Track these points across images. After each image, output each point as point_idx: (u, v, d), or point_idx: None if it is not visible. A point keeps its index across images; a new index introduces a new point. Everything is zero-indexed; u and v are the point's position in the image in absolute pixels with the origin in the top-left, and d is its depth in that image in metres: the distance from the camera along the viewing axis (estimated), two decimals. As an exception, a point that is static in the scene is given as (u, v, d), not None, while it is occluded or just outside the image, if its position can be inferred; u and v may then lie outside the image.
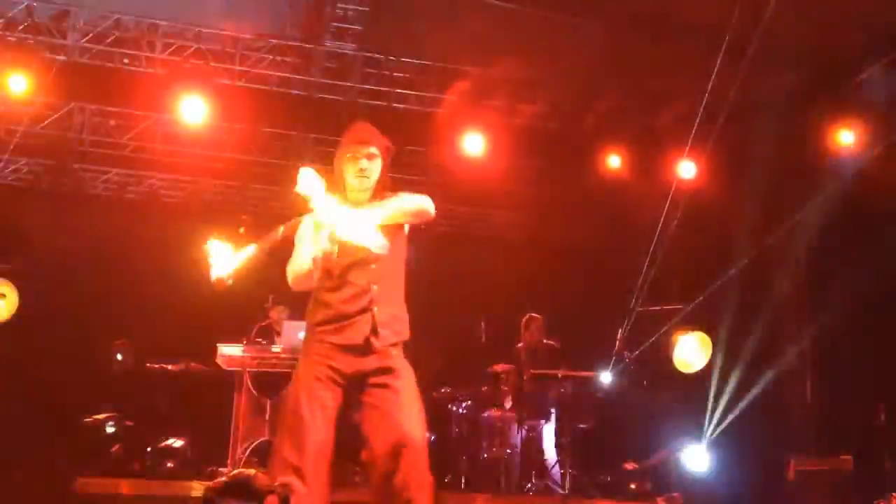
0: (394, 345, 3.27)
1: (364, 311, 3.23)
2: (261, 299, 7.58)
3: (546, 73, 7.69)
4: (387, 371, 3.22)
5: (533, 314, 7.52)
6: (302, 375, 3.23)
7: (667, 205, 8.51)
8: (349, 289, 3.25)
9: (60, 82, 7.17)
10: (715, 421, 7.86)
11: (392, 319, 3.28)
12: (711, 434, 7.75)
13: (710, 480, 7.14)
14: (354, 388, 3.23)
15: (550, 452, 7.10)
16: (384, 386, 3.21)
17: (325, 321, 3.26)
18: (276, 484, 2.72)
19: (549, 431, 7.17)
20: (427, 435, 3.30)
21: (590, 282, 8.98)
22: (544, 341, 7.50)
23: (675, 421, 8.00)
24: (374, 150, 3.40)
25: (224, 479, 2.73)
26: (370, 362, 3.22)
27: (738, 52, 7.11)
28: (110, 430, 6.71)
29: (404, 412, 3.17)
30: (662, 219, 8.59)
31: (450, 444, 6.94)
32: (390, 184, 3.45)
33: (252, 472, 2.74)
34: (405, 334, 3.33)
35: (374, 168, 3.39)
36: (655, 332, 8.10)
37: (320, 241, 3.17)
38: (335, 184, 3.41)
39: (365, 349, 3.21)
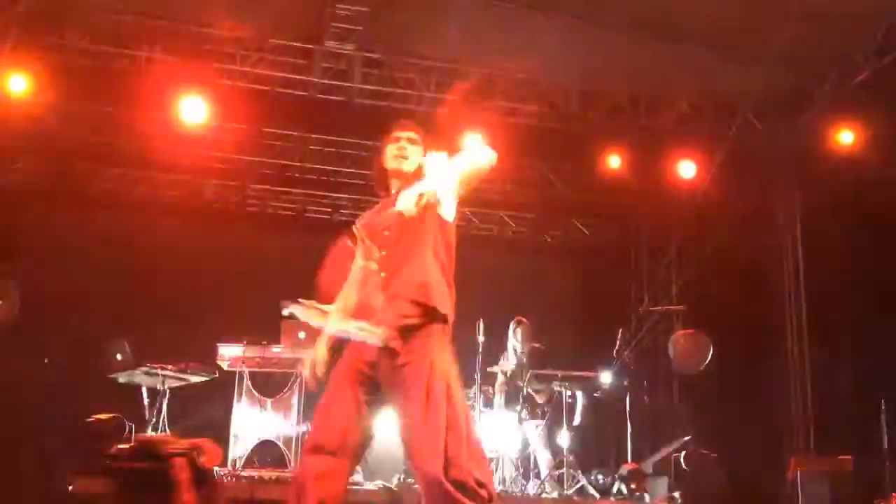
0: (405, 328, 3.00)
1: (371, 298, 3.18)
2: (261, 300, 7.58)
3: (546, 73, 7.68)
4: (398, 361, 2.99)
5: (520, 318, 7.52)
6: (335, 368, 3.17)
7: (667, 205, 8.54)
8: (370, 279, 3.23)
9: (60, 82, 7.17)
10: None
11: (395, 299, 3.06)
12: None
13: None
14: (381, 381, 3.05)
15: (549, 452, 7.10)
16: (401, 383, 2.99)
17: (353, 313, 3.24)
18: (187, 447, 2.67)
19: (548, 431, 7.17)
20: (441, 457, 2.84)
21: (590, 282, 8.98)
22: (531, 344, 7.50)
23: (675, 421, 8.01)
24: (415, 135, 3.41)
25: (132, 444, 2.70)
26: (381, 352, 3.01)
27: (737, 52, 7.12)
28: (110, 430, 6.71)
29: (415, 434, 2.92)
30: (663, 219, 8.61)
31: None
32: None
33: (163, 435, 2.72)
34: (415, 314, 3.03)
35: (414, 152, 3.37)
36: (655, 332, 8.11)
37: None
38: (377, 181, 3.44)
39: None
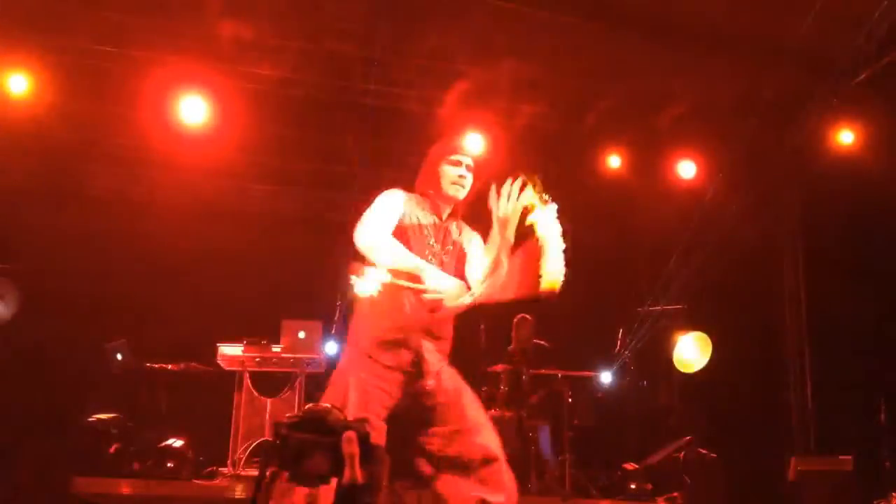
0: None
1: None
2: (260, 300, 7.59)
3: (546, 73, 7.68)
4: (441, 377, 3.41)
5: (524, 315, 7.51)
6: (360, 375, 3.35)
7: (667, 205, 8.53)
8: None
9: (60, 82, 7.17)
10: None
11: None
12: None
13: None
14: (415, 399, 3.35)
15: (550, 452, 7.10)
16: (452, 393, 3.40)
17: None
18: (354, 420, 2.61)
19: (548, 431, 7.17)
20: None
21: (590, 282, 8.96)
22: (534, 341, 7.50)
23: (675, 421, 8.01)
24: (472, 162, 3.43)
25: (298, 413, 2.61)
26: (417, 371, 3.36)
27: (737, 52, 7.13)
28: (110, 430, 6.71)
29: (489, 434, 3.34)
30: (663, 219, 8.61)
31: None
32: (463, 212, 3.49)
33: (327, 405, 2.62)
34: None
35: (469, 182, 3.41)
36: (655, 332, 8.11)
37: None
38: (424, 181, 3.44)
39: None
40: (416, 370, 3.20)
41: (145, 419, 6.94)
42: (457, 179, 3.37)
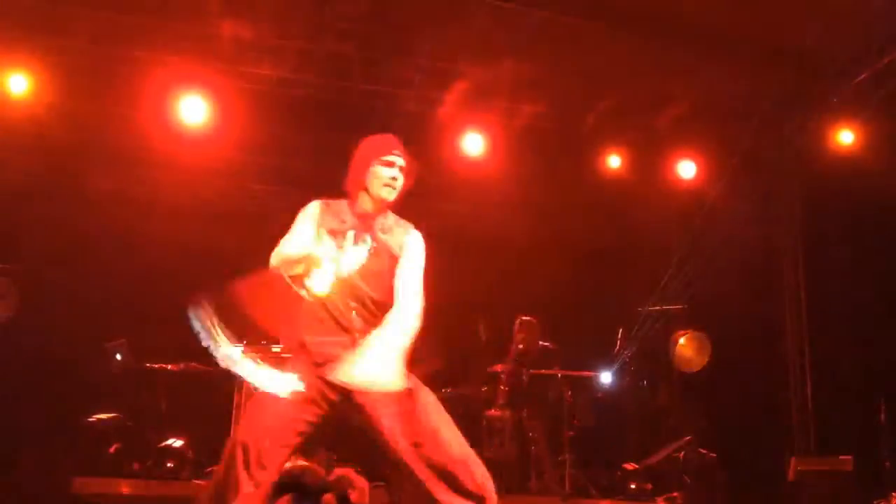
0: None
1: None
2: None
3: (546, 73, 7.68)
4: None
5: (524, 317, 7.48)
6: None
7: (667, 205, 8.53)
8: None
9: (60, 82, 7.16)
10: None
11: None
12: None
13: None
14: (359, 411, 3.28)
15: (550, 452, 7.10)
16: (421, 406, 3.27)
17: None
18: (332, 479, 2.58)
19: (548, 431, 7.17)
20: None
21: (590, 282, 8.97)
22: (540, 343, 7.48)
23: (675, 421, 8.00)
24: (404, 164, 3.32)
25: (278, 475, 2.57)
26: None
27: (737, 53, 7.12)
28: (110, 430, 6.71)
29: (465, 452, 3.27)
30: (663, 219, 8.60)
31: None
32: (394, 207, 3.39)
33: (309, 465, 2.56)
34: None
35: (401, 184, 3.31)
36: (655, 332, 8.11)
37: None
38: (353, 180, 3.36)
39: None
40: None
41: (145, 419, 6.94)
42: (389, 181, 3.27)
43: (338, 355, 3.10)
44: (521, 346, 7.39)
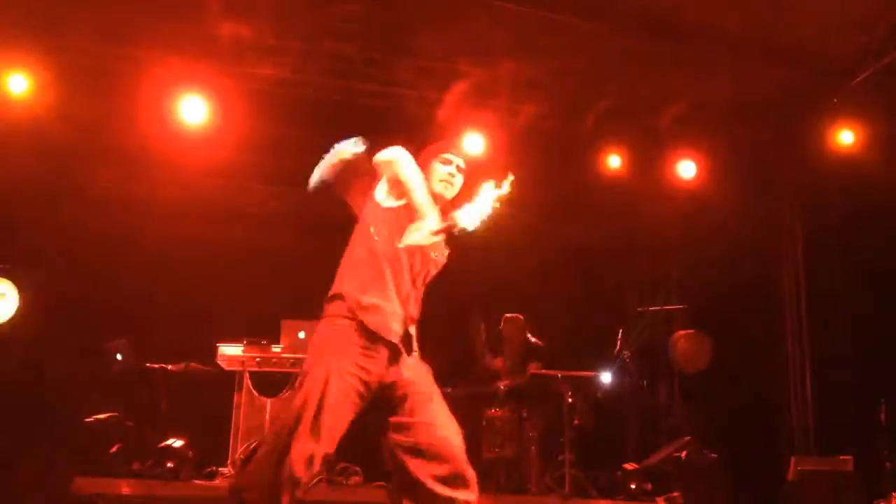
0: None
1: None
2: (260, 300, 7.59)
3: (546, 73, 7.68)
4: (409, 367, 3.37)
5: (508, 315, 7.54)
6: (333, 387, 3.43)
7: (667, 205, 8.53)
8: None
9: (60, 82, 7.16)
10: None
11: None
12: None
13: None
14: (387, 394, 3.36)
15: (550, 452, 7.10)
16: (424, 386, 3.40)
17: None
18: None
19: (548, 431, 7.17)
20: None
21: (589, 282, 8.97)
22: (531, 340, 7.50)
23: (675, 421, 8.01)
24: (463, 164, 3.45)
25: None
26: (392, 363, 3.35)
27: (737, 52, 7.12)
28: (110, 430, 6.71)
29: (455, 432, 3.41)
30: (663, 219, 8.60)
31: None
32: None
33: None
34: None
35: (459, 182, 3.43)
36: (655, 332, 8.12)
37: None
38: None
39: None
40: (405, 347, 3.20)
41: (145, 419, 6.94)
42: (446, 177, 3.40)
43: (396, 332, 3.19)
44: (507, 344, 7.43)
